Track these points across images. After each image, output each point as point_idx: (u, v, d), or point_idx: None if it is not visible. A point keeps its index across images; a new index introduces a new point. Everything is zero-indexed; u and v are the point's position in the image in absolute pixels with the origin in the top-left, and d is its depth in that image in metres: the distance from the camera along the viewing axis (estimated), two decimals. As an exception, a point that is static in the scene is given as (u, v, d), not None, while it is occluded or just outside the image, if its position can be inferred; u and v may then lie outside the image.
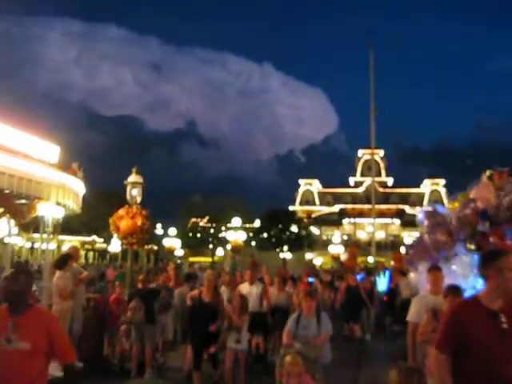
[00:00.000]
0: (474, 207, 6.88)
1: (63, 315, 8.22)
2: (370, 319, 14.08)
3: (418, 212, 7.96)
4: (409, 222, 64.94)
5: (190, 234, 58.00)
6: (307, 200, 76.91)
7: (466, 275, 6.21)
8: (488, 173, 7.47)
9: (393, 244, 58.59)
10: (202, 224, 61.30)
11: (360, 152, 77.60)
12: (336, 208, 75.19)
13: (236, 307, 7.92)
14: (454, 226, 6.96)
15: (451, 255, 6.63)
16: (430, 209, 7.87)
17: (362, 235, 68.95)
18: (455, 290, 5.27)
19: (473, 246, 6.81)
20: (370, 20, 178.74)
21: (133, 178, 9.84)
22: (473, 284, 5.94)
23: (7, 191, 8.19)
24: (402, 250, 19.75)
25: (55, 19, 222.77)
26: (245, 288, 9.74)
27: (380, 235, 63.61)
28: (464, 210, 6.97)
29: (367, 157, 72.51)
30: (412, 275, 6.99)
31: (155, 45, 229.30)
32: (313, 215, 72.89)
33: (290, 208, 69.06)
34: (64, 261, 8.65)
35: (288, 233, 55.57)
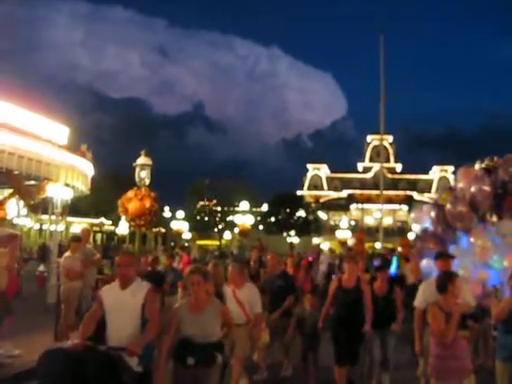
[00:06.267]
0: (492, 180, 7.04)
1: (71, 295, 8.29)
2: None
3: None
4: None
5: (198, 217, 58.14)
6: (315, 185, 76.78)
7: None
8: (484, 163, 7.64)
9: (400, 230, 58.44)
10: (209, 207, 61.41)
11: (369, 137, 77.20)
12: (344, 193, 75.08)
13: None
14: (473, 200, 7.13)
15: (471, 227, 6.84)
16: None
17: (370, 221, 68.87)
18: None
19: (494, 218, 7.02)
20: (380, 4, 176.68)
21: (142, 159, 9.84)
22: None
23: (16, 172, 8.22)
24: (410, 235, 19.74)
25: (61, 1, 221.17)
26: (109, 293, 4.69)
27: (388, 221, 63.57)
28: (480, 184, 7.10)
29: (376, 142, 72.04)
30: (425, 261, 7.03)
31: (162, 27, 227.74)
32: (321, 200, 72.85)
33: (298, 192, 69.03)
34: (69, 243, 8.75)
35: (295, 217, 55.59)
